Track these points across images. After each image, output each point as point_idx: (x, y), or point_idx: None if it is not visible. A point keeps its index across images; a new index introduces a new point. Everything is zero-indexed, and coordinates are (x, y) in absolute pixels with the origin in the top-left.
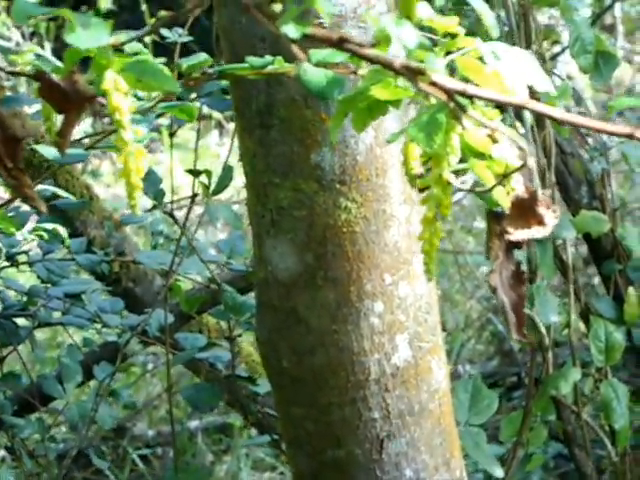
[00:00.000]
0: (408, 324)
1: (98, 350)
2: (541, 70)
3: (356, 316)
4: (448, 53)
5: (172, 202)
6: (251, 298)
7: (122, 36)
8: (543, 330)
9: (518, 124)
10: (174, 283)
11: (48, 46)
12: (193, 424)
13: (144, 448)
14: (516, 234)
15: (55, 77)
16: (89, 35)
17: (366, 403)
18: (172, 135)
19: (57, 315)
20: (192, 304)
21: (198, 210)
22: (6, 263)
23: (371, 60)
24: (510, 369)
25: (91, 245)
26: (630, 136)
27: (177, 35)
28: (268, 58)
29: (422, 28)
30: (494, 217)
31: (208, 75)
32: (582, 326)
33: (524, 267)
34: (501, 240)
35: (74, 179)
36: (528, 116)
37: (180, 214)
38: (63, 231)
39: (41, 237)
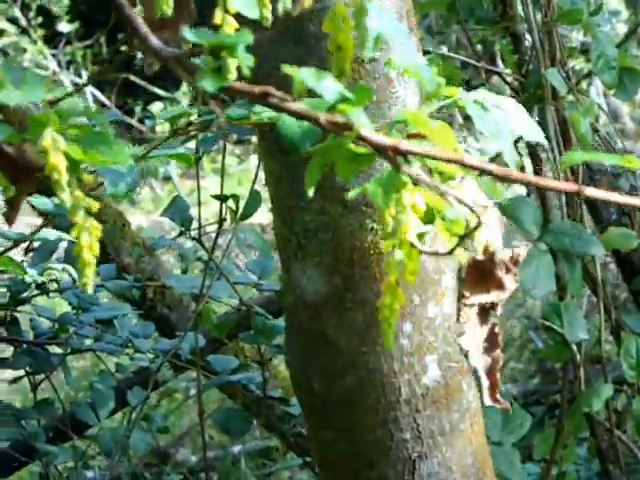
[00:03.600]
0: (437, 344)
1: (132, 376)
2: (531, 119)
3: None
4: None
5: (200, 227)
6: (282, 321)
7: (58, 91)
8: (574, 348)
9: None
10: (204, 308)
11: (85, 74)
12: (236, 448)
13: (188, 474)
14: (472, 298)
15: (7, 145)
16: (22, 92)
17: (397, 424)
18: (198, 160)
19: (89, 342)
20: (222, 329)
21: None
22: (37, 291)
23: (295, 115)
24: (551, 387)
25: (125, 272)
26: (578, 193)
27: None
28: (246, 111)
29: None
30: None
31: (195, 126)
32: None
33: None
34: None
35: (107, 207)
36: (553, 134)
37: (220, 240)
38: (73, 271)
39: (53, 280)
